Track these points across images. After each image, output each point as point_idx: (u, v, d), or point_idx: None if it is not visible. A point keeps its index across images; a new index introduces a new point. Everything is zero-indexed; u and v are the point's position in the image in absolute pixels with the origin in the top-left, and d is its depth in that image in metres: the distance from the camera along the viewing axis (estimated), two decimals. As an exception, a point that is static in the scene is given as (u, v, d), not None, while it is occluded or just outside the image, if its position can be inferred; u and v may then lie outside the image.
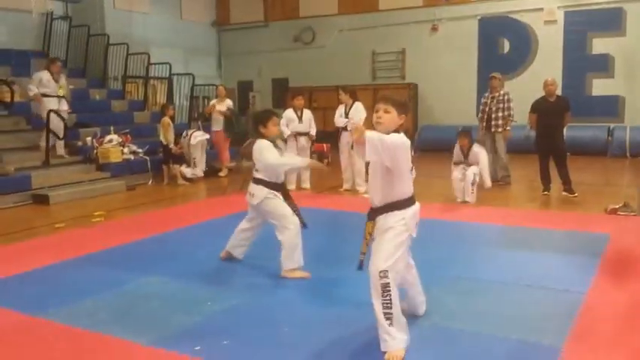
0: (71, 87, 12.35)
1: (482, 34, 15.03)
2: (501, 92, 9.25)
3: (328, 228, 6.64)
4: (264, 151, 4.71)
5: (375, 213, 3.28)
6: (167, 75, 14.08)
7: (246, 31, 18.06)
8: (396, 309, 3.16)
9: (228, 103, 11.42)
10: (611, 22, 13.53)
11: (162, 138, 10.30)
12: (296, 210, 4.80)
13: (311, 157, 9.69)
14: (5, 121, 10.27)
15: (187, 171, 10.52)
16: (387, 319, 3.14)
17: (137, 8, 15.34)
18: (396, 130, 3.20)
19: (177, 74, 14.38)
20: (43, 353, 3.41)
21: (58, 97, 10.06)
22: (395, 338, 3.16)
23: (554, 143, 8.27)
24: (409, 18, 15.64)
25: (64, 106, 10.20)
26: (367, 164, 3.33)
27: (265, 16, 17.89)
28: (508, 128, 9.14)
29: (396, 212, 3.21)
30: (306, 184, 9.23)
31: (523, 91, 11.21)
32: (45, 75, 10.06)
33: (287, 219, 4.72)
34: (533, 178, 9.01)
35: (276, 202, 4.77)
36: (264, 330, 3.66)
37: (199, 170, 10.71)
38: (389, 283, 3.12)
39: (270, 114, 4.96)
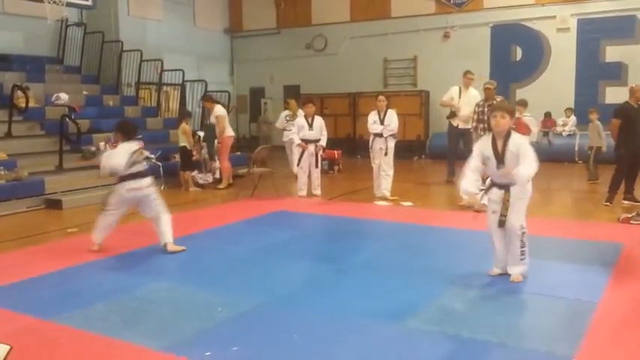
0: (85, 93, 12.50)
1: (494, 42, 15.00)
2: (498, 99, 9.06)
3: (340, 235, 6.66)
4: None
5: (506, 186, 4.54)
6: (180, 81, 14.17)
7: (258, 38, 18.15)
8: (526, 248, 4.60)
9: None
10: (625, 29, 13.45)
11: (184, 143, 10.31)
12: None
13: (322, 164, 9.71)
14: (19, 126, 10.36)
15: (199, 177, 10.57)
16: (522, 254, 4.58)
17: (151, 15, 15.49)
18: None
19: (190, 81, 14.46)
20: (54, 357, 3.43)
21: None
22: (525, 264, 4.64)
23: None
24: (421, 25, 15.64)
25: None
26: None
27: (277, 24, 17.99)
28: None
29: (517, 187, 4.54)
30: (317, 191, 9.22)
31: (535, 99, 11.17)
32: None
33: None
34: (540, 187, 8.92)
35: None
36: (274, 337, 3.66)
37: (210, 176, 10.75)
38: (525, 232, 4.58)
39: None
